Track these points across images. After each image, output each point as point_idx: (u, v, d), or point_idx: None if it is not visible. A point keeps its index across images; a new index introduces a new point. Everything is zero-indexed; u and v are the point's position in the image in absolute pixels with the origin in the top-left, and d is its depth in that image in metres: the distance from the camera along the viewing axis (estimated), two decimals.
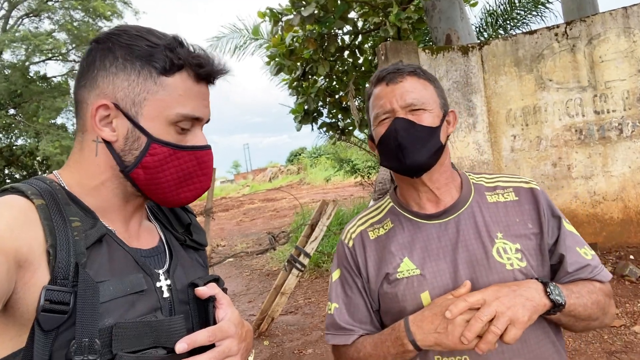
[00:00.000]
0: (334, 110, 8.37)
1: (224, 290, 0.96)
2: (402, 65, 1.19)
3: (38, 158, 18.03)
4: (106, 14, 17.57)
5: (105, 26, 17.99)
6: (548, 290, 1.00)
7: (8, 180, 18.87)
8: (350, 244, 1.24)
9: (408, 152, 1.11)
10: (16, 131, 18.55)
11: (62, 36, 17.82)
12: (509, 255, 1.09)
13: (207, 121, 0.92)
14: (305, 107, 8.08)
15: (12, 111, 18.08)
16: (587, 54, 5.15)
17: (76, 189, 0.84)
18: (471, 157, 5.42)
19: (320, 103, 8.25)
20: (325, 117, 8.63)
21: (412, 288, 1.11)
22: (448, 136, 1.19)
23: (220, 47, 9.99)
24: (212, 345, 0.80)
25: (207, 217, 4.37)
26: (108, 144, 0.84)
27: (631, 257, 4.89)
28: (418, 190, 1.19)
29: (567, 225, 1.17)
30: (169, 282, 0.88)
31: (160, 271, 0.88)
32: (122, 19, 18.39)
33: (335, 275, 1.26)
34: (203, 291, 0.87)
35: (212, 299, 0.88)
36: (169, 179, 0.86)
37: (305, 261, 4.52)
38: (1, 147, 17.98)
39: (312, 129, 8.82)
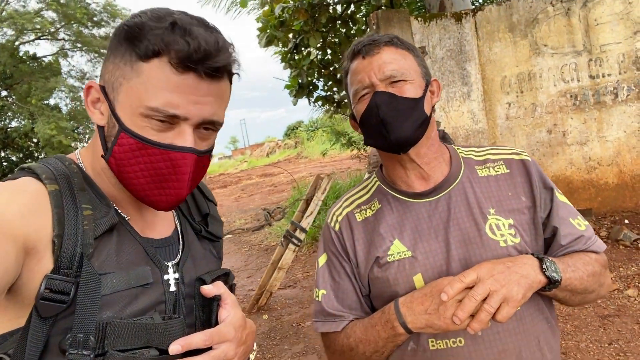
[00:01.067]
0: (329, 83, 8.26)
1: (232, 286, 0.94)
2: (377, 36, 1.11)
3: (34, 140, 17.93)
4: None
5: (93, 2, 17.60)
6: (544, 266, 0.96)
7: (5, 163, 18.81)
8: (337, 227, 1.18)
9: (391, 127, 1.04)
10: (9, 113, 18.39)
11: (50, 14, 17.45)
12: (502, 232, 1.06)
13: (210, 123, 0.79)
14: (300, 80, 7.97)
15: (4, 93, 17.88)
16: (582, 17, 5.05)
17: (90, 171, 0.83)
18: (466, 127, 5.38)
19: (315, 76, 8.14)
20: (321, 90, 8.53)
21: (404, 271, 1.06)
22: (433, 107, 1.14)
23: (214, 5, 9.61)
24: (210, 347, 0.79)
25: None
26: (101, 129, 0.80)
27: (626, 221, 4.92)
28: (405, 168, 1.13)
29: (560, 196, 1.13)
30: (177, 275, 0.86)
31: (170, 263, 0.87)
32: None
33: (322, 260, 1.20)
34: (208, 290, 0.85)
35: (217, 297, 0.86)
36: (139, 175, 0.77)
37: (302, 236, 4.55)
38: None
39: (309, 103, 8.74)
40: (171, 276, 0.86)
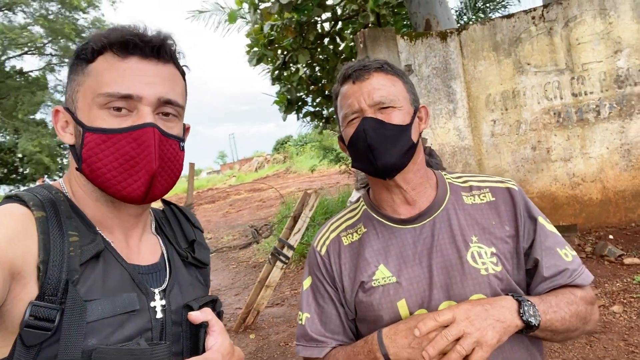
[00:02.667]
0: (318, 99, 8.32)
1: (220, 313, 0.93)
2: (368, 62, 1.13)
3: (19, 155, 17.73)
4: (82, 6, 17.16)
5: (82, 18, 17.61)
6: (521, 310, 0.96)
7: None
8: (323, 251, 1.19)
9: (378, 153, 1.06)
10: None
11: (37, 30, 17.40)
12: (483, 260, 1.06)
13: (168, 104, 0.83)
14: (289, 96, 8.02)
15: None
16: (564, 36, 5.17)
17: (74, 197, 0.84)
18: (452, 144, 5.44)
19: (304, 92, 8.19)
20: (309, 105, 8.58)
21: (388, 296, 1.07)
22: (420, 133, 1.15)
23: (204, 20, 9.60)
24: None
25: None
26: (72, 147, 0.83)
27: (610, 236, 4.97)
28: (392, 192, 1.14)
29: (547, 225, 1.12)
30: (163, 302, 0.86)
31: (157, 290, 0.86)
32: (98, 10, 18.01)
33: (307, 283, 1.20)
34: (195, 316, 0.84)
35: (204, 325, 0.85)
36: (110, 168, 0.78)
37: (289, 253, 4.52)
38: None
39: (297, 119, 8.78)
40: (158, 303, 0.85)
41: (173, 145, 0.84)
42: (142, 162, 0.79)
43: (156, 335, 0.83)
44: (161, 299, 0.86)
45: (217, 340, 0.83)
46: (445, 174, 1.21)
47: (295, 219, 4.63)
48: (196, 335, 0.86)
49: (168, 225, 1.00)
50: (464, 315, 0.92)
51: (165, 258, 0.93)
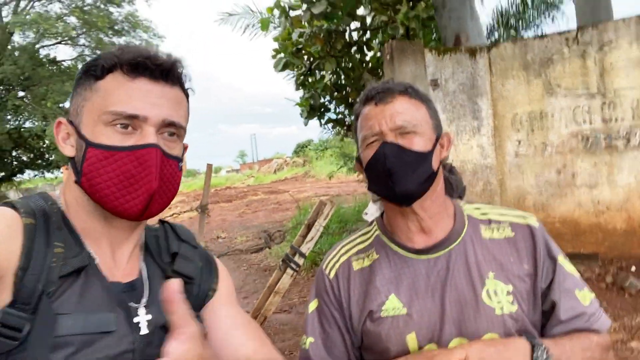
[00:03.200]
0: (341, 106, 8.31)
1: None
2: (392, 84, 1.11)
3: (46, 141, 18.13)
4: (117, 0, 17.49)
5: (116, 12, 17.94)
6: (535, 355, 0.94)
7: (15, 162, 19.00)
8: (332, 275, 1.16)
9: (397, 179, 1.03)
10: (25, 113, 18.62)
11: (72, 20, 17.80)
12: (499, 298, 1.03)
13: (172, 126, 0.84)
14: (312, 102, 8.02)
15: (21, 94, 18.13)
16: (598, 60, 5.04)
17: (66, 208, 0.85)
18: (474, 161, 5.34)
19: (327, 98, 8.19)
20: (332, 112, 8.57)
21: (397, 328, 1.04)
22: (441, 161, 1.12)
23: (232, 23, 9.67)
24: None
25: (202, 214, 4.34)
26: (72, 160, 0.85)
27: (632, 268, 4.81)
28: (407, 219, 1.10)
29: (566, 266, 1.09)
30: (149, 317, 0.83)
31: (140, 305, 0.84)
32: (132, 4, 18.33)
33: (312, 306, 1.18)
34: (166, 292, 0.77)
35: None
36: (109, 184, 0.79)
37: (301, 261, 4.48)
38: (9, 129, 18.04)
39: (320, 125, 8.79)
40: (142, 318, 0.82)
41: (173, 165, 0.86)
42: (143, 181, 0.80)
43: (138, 357, 0.79)
44: (146, 314, 0.83)
45: (178, 347, 0.73)
46: (463, 205, 1.17)
47: (309, 227, 4.59)
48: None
49: (155, 242, 0.98)
50: (477, 355, 0.91)
51: (145, 274, 0.90)
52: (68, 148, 0.85)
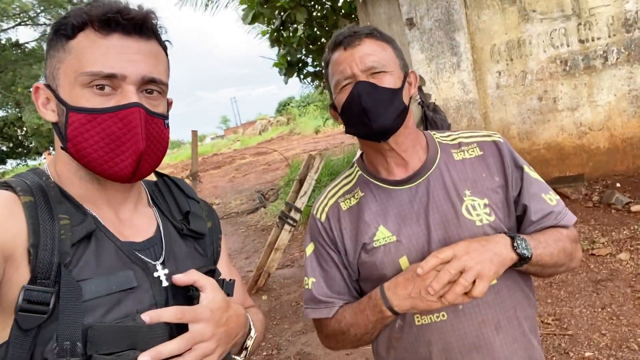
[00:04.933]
0: (318, 59, 8.15)
1: (221, 281, 0.91)
2: (358, 28, 1.15)
3: (24, 128, 17.71)
4: None
5: None
6: (515, 244, 1.03)
7: None
8: (323, 218, 1.23)
9: (373, 116, 1.09)
10: None
11: None
12: (477, 212, 1.12)
13: (152, 82, 0.82)
14: (288, 58, 7.86)
15: None
16: None
17: (58, 179, 0.84)
18: (457, 98, 5.34)
19: (303, 52, 8.02)
20: (310, 66, 8.42)
21: (390, 254, 1.12)
22: (411, 97, 1.18)
23: (192, 2, 9.54)
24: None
25: (194, 181, 4.35)
26: (55, 125, 0.83)
27: (617, 185, 4.95)
28: (385, 155, 1.18)
29: (532, 173, 1.19)
30: (166, 270, 0.86)
31: (158, 262, 0.86)
32: None
33: (309, 249, 1.25)
34: (178, 278, 0.83)
35: (194, 292, 0.84)
36: (96, 148, 0.78)
37: (297, 216, 4.56)
38: None
39: (300, 80, 8.65)
40: (161, 272, 0.85)
41: (158, 123, 0.84)
42: (129, 142, 0.79)
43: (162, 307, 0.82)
44: (163, 268, 0.86)
45: (208, 296, 0.83)
46: (434, 134, 1.25)
47: (301, 182, 4.64)
48: (191, 304, 0.85)
49: (161, 197, 0.99)
50: (463, 250, 0.98)
51: (161, 230, 0.92)
52: (49, 113, 0.83)
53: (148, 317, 0.75)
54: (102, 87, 0.78)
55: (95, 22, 0.79)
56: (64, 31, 0.80)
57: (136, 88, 0.80)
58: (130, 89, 0.79)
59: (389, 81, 1.11)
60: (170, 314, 0.77)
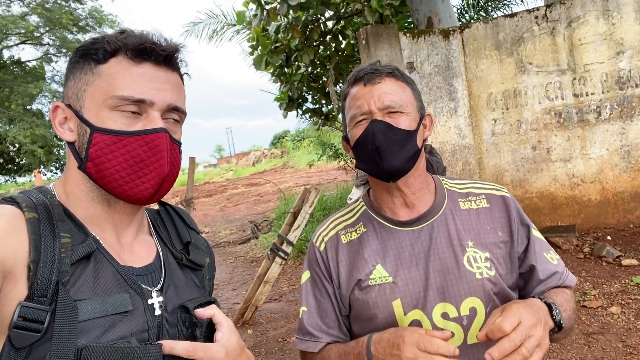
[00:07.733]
0: (318, 96, 8.30)
1: None
2: (380, 66, 1.16)
3: (16, 144, 17.60)
4: None
5: (79, 8, 17.45)
6: (554, 313, 0.98)
7: None
8: (322, 247, 1.22)
9: (385, 156, 1.09)
10: None
11: (34, 19, 17.23)
12: (478, 264, 1.11)
13: (175, 110, 0.86)
14: (290, 94, 7.99)
15: None
16: (567, 36, 5.16)
17: (64, 198, 0.85)
18: (453, 142, 5.43)
19: (304, 89, 8.17)
20: (310, 102, 8.56)
21: (384, 295, 1.11)
22: (424, 140, 1.19)
23: (197, 33, 9.75)
24: None
25: (188, 207, 4.31)
26: (72, 145, 0.84)
27: (608, 237, 4.99)
28: (392, 195, 1.18)
29: (535, 232, 1.19)
30: (161, 299, 0.86)
31: (154, 289, 0.86)
32: (95, 0, 17.83)
33: (305, 276, 1.25)
34: (202, 312, 0.85)
35: (201, 325, 0.85)
36: (119, 169, 0.80)
37: (289, 249, 4.51)
38: None
39: (297, 115, 8.77)
40: (155, 300, 0.85)
41: (177, 150, 0.88)
42: (153, 165, 0.82)
43: (153, 337, 0.82)
44: (158, 296, 0.85)
45: (224, 335, 0.84)
46: (443, 180, 1.25)
47: (295, 215, 4.62)
48: (192, 337, 0.85)
49: (163, 226, 1.00)
50: (529, 321, 0.89)
51: (161, 258, 0.92)
52: (67, 133, 0.84)
53: (167, 346, 0.77)
54: (131, 111, 0.81)
55: (130, 50, 0.82)
56: (94, 55, 0.82)
57: (161, 114, 0.84)
58: (156, 114, 0.83)
59: (405, 122, 1.11)
60: (182, 348, 0.78)
